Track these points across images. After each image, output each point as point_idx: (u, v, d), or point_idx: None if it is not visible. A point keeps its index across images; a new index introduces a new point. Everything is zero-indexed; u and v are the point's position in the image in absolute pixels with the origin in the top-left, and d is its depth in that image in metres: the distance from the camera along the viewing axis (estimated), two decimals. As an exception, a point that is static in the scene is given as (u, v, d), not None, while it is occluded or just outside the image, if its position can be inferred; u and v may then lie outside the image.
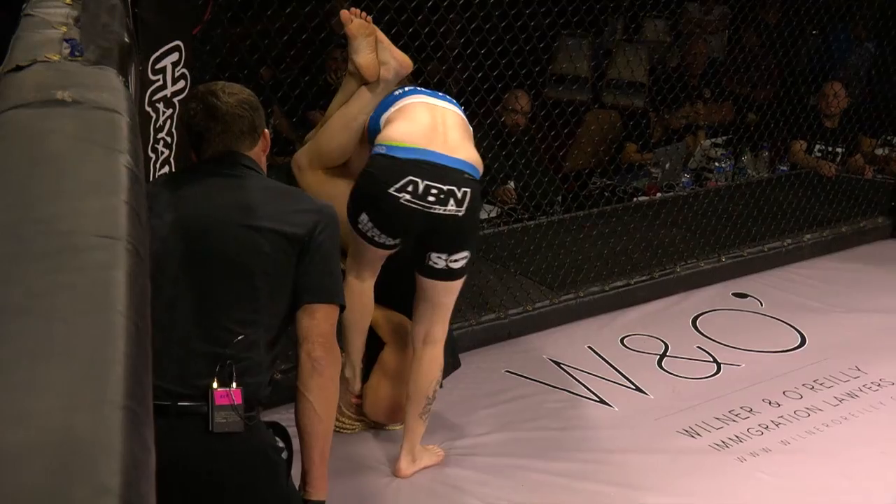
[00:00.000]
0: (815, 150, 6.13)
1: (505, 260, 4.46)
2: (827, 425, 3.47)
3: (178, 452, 1.79)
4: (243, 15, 3.51)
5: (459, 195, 2.67)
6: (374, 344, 3.14)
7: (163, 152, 2.73)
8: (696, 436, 3.35)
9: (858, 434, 3.42)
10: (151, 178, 2.64)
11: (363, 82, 2.93)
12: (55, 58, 1.26)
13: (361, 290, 2.93)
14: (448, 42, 3.97)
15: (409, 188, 2.64)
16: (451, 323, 3.03)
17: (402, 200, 2.65)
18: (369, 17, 2.94)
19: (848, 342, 4.15)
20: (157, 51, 2.61)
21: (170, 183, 2.17)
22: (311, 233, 2.01)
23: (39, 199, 0.94)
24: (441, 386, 3.04)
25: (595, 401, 3.57)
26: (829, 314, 4.47)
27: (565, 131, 4.73)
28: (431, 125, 2.73)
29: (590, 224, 4.83)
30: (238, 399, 1.88)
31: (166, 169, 2.74)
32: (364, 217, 2.72)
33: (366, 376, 3.15)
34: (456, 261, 2.77)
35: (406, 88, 2.90)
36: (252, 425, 1.93)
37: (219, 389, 1.87)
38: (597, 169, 5.80)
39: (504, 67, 4.03)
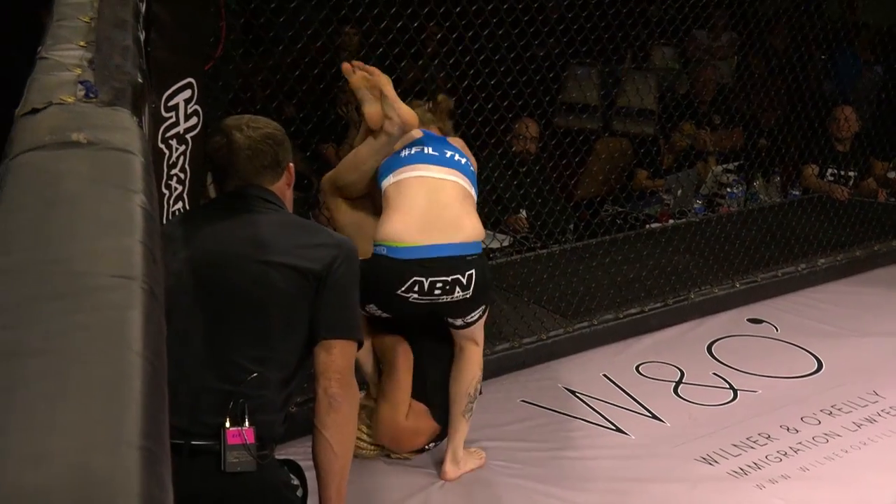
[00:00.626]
0: (828, 174, 6.12)
1: (518, 289, 4.46)
2: (846, 451, 3.44)
3: (191, 492, 1.76)
4: (254, 50, 3.54)
5: (465, 280, 2.80)
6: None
7: (176, 188, 2.74)
8: (713, 463, 3.33)
9: (877, 459, 3.39)
10: (165, 215, 2.66)
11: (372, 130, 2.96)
12: (70, 100, 1.27)
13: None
14: (458, 73, 3.99)
15: (416, 288, 2.79)
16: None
17: (410, 300, 2.81)
18: (373, 70, 2.94)
19: (865, 366, 4.12)
20: (169, 88, 2.63)
21: (186, 220, 2.18)
22: (328, 268, 1.99)
23: (55, 240, 0.95)
24: (480, 392, 3.15)
25: (611, 429, 3.56)
26: (845, 338, 4.44)
27: (576, 160, 4.74)
28: (426, 209, 2.80)
29: (602, 252, 4.83)
30: (251, 438, 1.86)
31: (180, 205, 2.75)
32: (373, 307, 2.88)
33: None
34: (472, 318, 2.94)
35: (412, 152, 2.92)
36: (265, 463, 1.91)
37: (231, 429, 1.86)
38: (608, 196, 5.80)
39: (514, 97, 4.06)
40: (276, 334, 1.97)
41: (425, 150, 2.92)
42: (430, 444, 3.24)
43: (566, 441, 3.44)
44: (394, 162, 2.91)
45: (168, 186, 2.70)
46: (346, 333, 2.02)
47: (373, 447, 3.23)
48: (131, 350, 0.82)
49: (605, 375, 3.98)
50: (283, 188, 2.15)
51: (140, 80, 1.54)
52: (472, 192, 2.93)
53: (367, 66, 2.95)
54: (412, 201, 2.82)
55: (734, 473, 3.27)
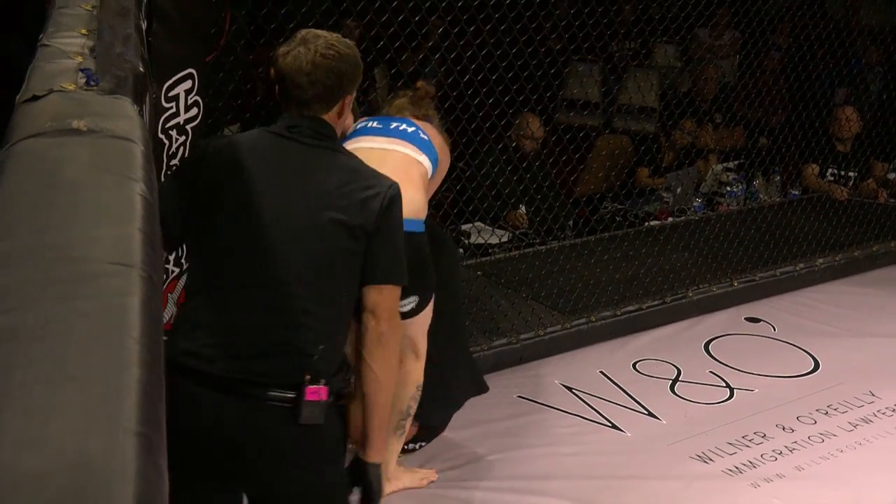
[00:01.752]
0: (828, 174, 6.12)
1: (516, 285, 4.45)
2: (841, 451, 3.45)
3: (265, 436, 1.95)
4: (256, 42, 3.54)
5: None
6: None
7: (176, 178, 2.74)
8: (709, 461, 3.33)
9: (873, 460, 3.39)
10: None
11: None
12: (71, 87, 1.28)
13: None
14: (459, 68, 3.99)
15: None
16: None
17: None
18: None
19: (862, 367, 4.13)
20: (170, 78, 2.63)
21: (246, 152, 2.07)
22: (379, 217, 2.03)
23: (54, 227, 0.95)
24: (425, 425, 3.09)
25: (607, 426, 3.56)
26: (842, 339, 4.44)
27: (576, 156, 4.74)
28: None
29: (601, 249, 4.83)
30: (324, 396, 1.98)
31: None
32: None
33: None
34: (403, 306, 2.65)
35: (357, 127, 2.83)
36: (328, 414, 2.01)
37: (309, 387, 1.96)
38: (608, 193, 5.80)
39: (515, 92, 4.06)
40: (342, 289, 2.05)
41: (368, 125, 2.84)
42: (416, 445, 3.18)
43: (562, 437, 3.45)
44: (349, 135, 2.82)
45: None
46: (395, 279, 2.09)
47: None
48: (129, 336, 0.82)
49: (601, 372, 3.99)
50: (335, 118, 2.11)
51: (141, 69, 1.55)
52: (420, 159, 2.78)
53: None
54: None
55: (729, 472, 3.27)
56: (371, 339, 2.07)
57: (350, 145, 2.75)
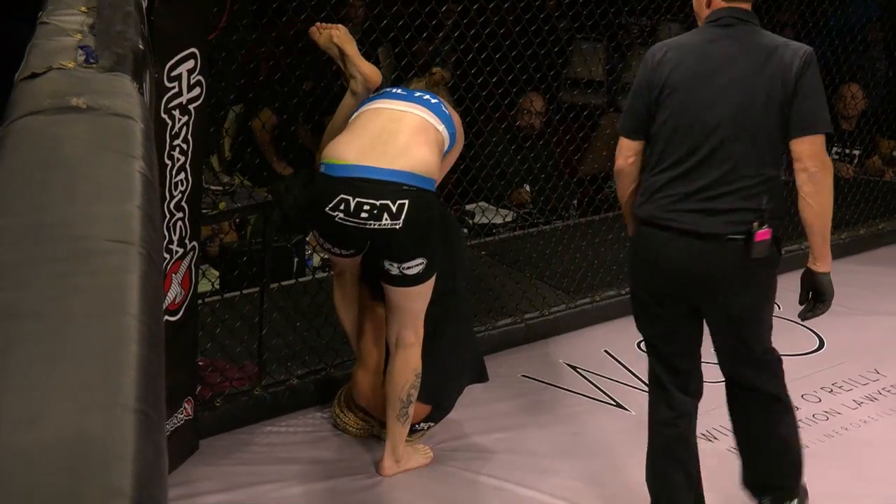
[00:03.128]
0: (833, 152, 6.08)
1: (521, 264, 4.45)
2: (846, 429, 3.45)
3: (724, 268, 2.49)
4: (259, 21, 3.52)
5: (394, 208, 2.66)
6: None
7: (179, 159, 2.73)
8: (713, 439, 3.33)
9: (878, 437, 3.40)
10: (167, 187, 2.65)
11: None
12: (70, 65, 1.27)
13: (343, 293, 3.08)
14: (462, 47, 3.97)
15: (342, 206, 2.68)
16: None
17: (337, 219, 2.70)
18: (339, 28, 2.98)
19: (867, 345, 4.13)
20: (172, 58, 2.61)
21: (695, 46, 2.52)
22: (797, 76, 2.40)
23: (53, 204, 0.95)
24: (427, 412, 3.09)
25: (612, 405, 3.56)
26: (847, 317, 4.42)
27: (580, 135, 4.72)
28: (375, 135, 2.73)
29: (605, 228, 4.81)
30: (768, 236, 2.50)
31: (182, 176, 2.74)
32: (315, 233, 2.90)
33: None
34: (409, 268, 2.77)
35: (381, 91, 2.92)
36: (770, 250, 2.53)
37: (758, 231, 2.47)
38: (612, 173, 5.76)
39: (519, 71, 4.04)
40: (777, 147, 2.52)
41: (393, 91, 2.91)
42: (425, 426, 3.18)
43: (567, 416, 3.46)
44: (362, 104, 2.90)
45: (171, 157, 2.69)
46: (817, 129, 2.47)
47: (357, 425, 3.22)
48: (128, 314, 0.82)
49: (606, 351, 3.98)
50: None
51: (141, 47, 1.53)
52: (440, 128, 2.82)
53: (331, 25, 2.98)
54: (365, 126, 2.77)
55: (734, 449, 3.25)
56: (802, 179, 2.51)
57: (371, 105, 2.83)
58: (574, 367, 3.82)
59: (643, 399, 3.59)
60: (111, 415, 0.70)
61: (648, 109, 2.55)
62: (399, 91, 2.90)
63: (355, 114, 2.86)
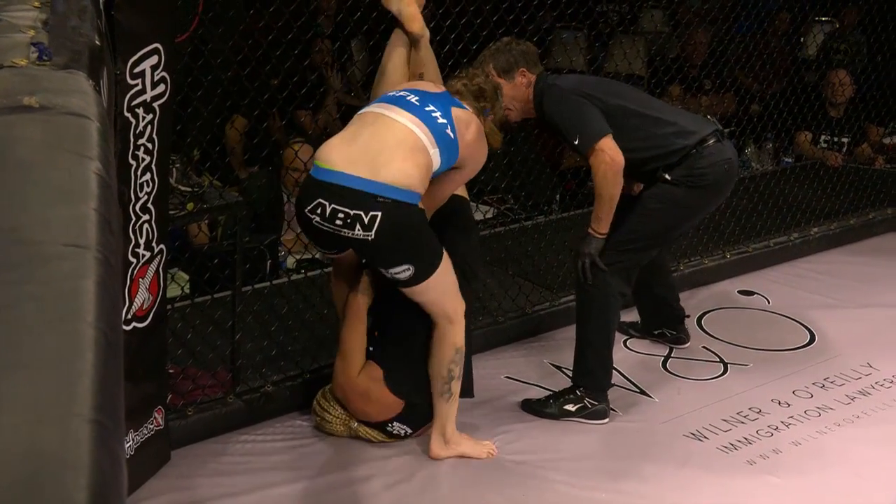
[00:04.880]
0: (821, 140, 6.02)
1: (502, 262, 4.37)
2: (839, 424, 3.40)
3: None
4: (226, 14, 3.41)
5: (367, 220, 2.71)
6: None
7: (143, 159, 2.66)
8: (703, 439, 3.27)
9: (871, 433, 3.35)
10: (133, 187, 2.57)
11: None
12: (22, 62, 1.27)
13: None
14: (438, 38, 3.87)
15: (318, 210, 2.78)
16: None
17: (314, 222, 2.79)
18: None
19: (859, 338, 4.08)
20: (135, 54, 2.53)
21: None
22: None
23: (6, 208, 0.94)
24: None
25: (598, 405, 3.48)
26: (838, 310, 4.38)
27: (563, 128, 4.63)
28: (365, 143, 2.78)
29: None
30: None
31: (147, 176, 2.66)
32: (302, 231, 2.95)
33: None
34: (397, 273, 2.83)
35: (398, 94, 2.90)
36: None
37: None
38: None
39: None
40: None
41: (407, 98, 2.89)
42: (401, 429, 3.11)
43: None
44: (377, 100, 2.95)
45: (135, 157, 2.63)
46: None
47: (340, 422, 3.14)
48: (84, 321, 0.81)
49: (592, 350, 3.90)
50: None
51: (98, 43, 1.50)
52: (431, 152, 2.80)
53: None
54: (357, 132, 2.83)
55: (724, 449, 3.21)
56: None
57: (377, 108, 2.87)
58: (558, 367, 3.75)
59: (631, 399, 3.54)
60: (66, 426, 0.70)
61: None
62: (413, 99, 2.87)
63: (363, 109, 2.94)
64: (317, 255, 4.28)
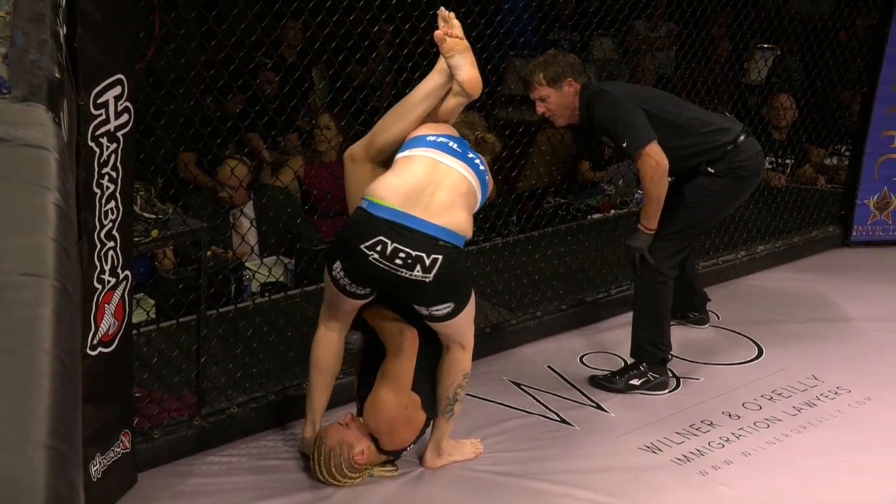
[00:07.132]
0: (766, 162, 6.17)
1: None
2: (787, 435, 3.49)
3: None
4: (186, 46, 3.47)
5: (428, 262, 2.75)
6: (378, 352, 3.05)
7: (108, 187, 2.67)
8: (657, 451, 3.35)
9: (818, 443, 3.44)
10: (97, 215, 2.60)
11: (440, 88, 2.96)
12: None
13: (329, 340, 3.06)
14: (396, 67, 3.96)
15: (378, 248, 2.75)
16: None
17: (370, 258, 2.77)
18: (458, 32, 2.89)
19: (804, 352, 4.19)
20: (98, 85, 2.55)
21: None
22: None
23: None
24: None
25: (556, 420, 3.56)
26: (784, 324, 4.50)
27: (517, 151, 4.74)
28: (421, 185, 2.80)
29: (545, 243, 4.83)
30: None
31: (112, 204, 2.68)
32: (338, 265, 2.85)
33: (370, 386, 3.05)
34: (438, 310, 2.87)
35: (438, 140, 2.92)
36: None
37: None
38: (551, 188, 5.80)
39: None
40: None
41: (449, 144, 2.93)
42: (412, 445, 3.13)
43: (512, 434, 3.44)
44: (417, 141, 2.93)
45: (100, 185, 2.64)
46: None
47: (362, 478, 3.06)
48: (40, 348, 0.80)
49: (549, 367, 3.99)
50: None
51: (58, 75, 1.50)
52: (478, 194, 2.94)
53: (455, 33, 2.87)
54: (412, 172, 2.84)
55: (678, 461, 3.29)
56: None
57: (424, 151, 2.87)
58: (518, 385, 3.82)
59: (588, 414, 3.62)
60: (21, 452, 0.69)
61: None
62: (455, 146, 2.93)
63: (407, 152, 2.90)
64: (280, 279, 4.31)
